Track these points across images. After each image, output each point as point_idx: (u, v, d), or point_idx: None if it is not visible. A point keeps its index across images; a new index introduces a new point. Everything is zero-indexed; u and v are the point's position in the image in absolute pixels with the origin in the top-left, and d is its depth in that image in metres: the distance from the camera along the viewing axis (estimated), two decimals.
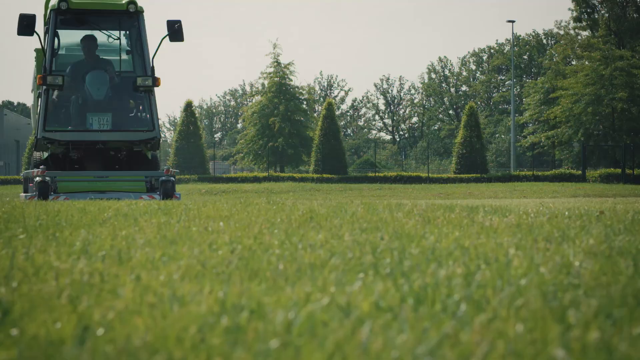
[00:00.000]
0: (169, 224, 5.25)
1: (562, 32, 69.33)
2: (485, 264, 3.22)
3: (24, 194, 18.00)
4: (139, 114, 18.33)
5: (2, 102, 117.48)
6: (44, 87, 17.71)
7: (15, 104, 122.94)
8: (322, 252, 3.61)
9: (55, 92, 17.98)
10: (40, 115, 17.50)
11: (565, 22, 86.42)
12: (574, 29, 62.51)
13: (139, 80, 17.78)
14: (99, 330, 2.05)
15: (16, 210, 6.90)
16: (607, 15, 57.85)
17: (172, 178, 17.27)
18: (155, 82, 18.07)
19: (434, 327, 2.04)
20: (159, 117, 18.71)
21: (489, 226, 5.21)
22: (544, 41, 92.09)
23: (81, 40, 18.67)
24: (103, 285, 2.74)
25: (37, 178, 16.34)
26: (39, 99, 18.13)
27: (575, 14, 59.35)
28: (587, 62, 52.52)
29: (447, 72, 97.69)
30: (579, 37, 61.30)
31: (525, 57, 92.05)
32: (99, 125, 17.65)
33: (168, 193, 16.91)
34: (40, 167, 16.59)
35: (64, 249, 3.82)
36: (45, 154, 18.69)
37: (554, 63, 64.21)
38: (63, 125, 17.67)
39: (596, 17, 58.44)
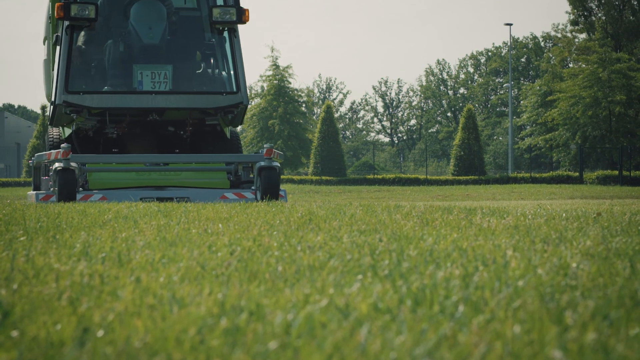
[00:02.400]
0: (169, 226, 5.26)
1: (559, 35, 69.33)
2: (483, 265, 3.23)
3: (34, 193, 12.79)
4: (212, 69, 12.72)
5: (3, 104, 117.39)
6: (66, 25, 11.78)
7: (16, 106, 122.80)
8: (320, 254, 3.61)
9: (83, 33, 12.18)
10: (60, 70, 11.84)
11: (563, 24, 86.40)
12: (571, 31, 62.52)
13: (215, 13, 12.03)
14: (99, 331, 2.05)
15: (17, 213, 6.90)
16: (604, 18, 57.84)
17: (276, 164, 11.75)
18: (242, 15, 12.11)
19: (432, 328, 2.04)
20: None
21: (487, 228, 5.22)
22: (542, 44, 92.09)
23: None
24: (103, 287, 2.75)
25: (58, 165, 11.07)
26: (57, 47, 12.20)
27: (572, 16, 59.36)
28: (584, 65, 52.52)
29: (445, 74, 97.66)
30: (576, 40, 61.29)
31: (522, 59, 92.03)
32: (152, 85, 12.05)
33: (271, 188, 11.38)
34: (63, 145, 11.15)
35: (64, 251, 3.83)
36: (67, 131, 13.15)
37: (551, 66, 64.19)
38: (95, 85, 12.28)
39: (593, 19, 58.42)
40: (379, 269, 3.15)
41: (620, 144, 47.02)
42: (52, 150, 11.94)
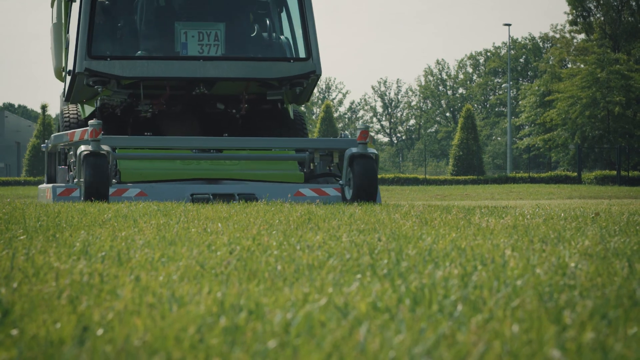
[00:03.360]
0: (168, 225, 5.26)
1: (557, 36, 69.31)
2: (481, 264, 3.24)
3: (50, 187, 10.08)
4: (275, 30, 10.51)
5: (3, 104, 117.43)
6: None
7: (16, 106, 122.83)
8: (320, 253, 3.62)
9: None
10: (82, 30, 9.71)
11: (561, 25, 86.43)
12: (569, 32, 62.51)
13: None
14: (98, 330, 2.06)
15: (16, 212, 6.90)
16: (602, 18, 57.84)
17: (373, 151, 9.31)
18: None
19: (431, 327, 2.05)
20: None
21: (486, 227, 5.23)
22: (540, 44, 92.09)
23: None
24: (102, 286, 2.76)
25: (85, 148, 8.81)
26: (74, 2, 10.14)
27: (571, 17, 59.34)
28: (582, 66, 52.53)
29: (444, 74, 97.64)
30: (575, 41, 61.29)
31: (521, 60, 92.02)
32: (199, 49, 9.93)
33: (368, 184, 8.99)
34: (92, 122, 8.80)
35: (64, 250, 3.83)
36: (88, 109, 11.00)
37: (549, 66, 64.18)
38: (125, 48, 10.20)
39: (592, 20, 58.42)
40: (378, 268, 3.16)
41: (618, 144, 47.03)
42: (77, 129, 9.48)
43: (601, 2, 57.26)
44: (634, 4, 56.74)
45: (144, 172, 10.09)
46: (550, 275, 2.93)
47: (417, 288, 2.62)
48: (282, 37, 10.60)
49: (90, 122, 9.04)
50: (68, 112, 11.73)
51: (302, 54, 10.20)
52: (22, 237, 4.50)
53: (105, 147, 8.94)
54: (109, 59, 9.89)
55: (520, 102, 74.21)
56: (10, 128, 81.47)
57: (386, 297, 2.48)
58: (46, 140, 11.58)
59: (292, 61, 10.18)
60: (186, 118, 11.14)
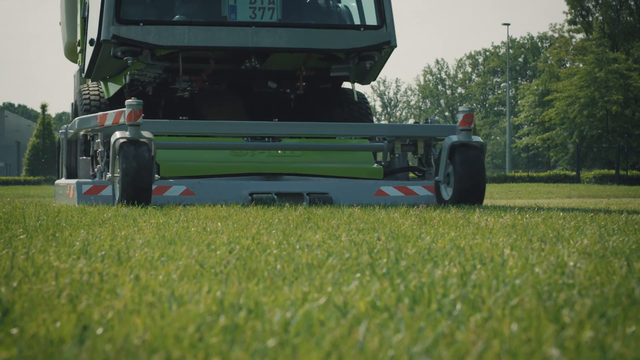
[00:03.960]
0: (168, 225, 5.26)
1: (556, 35, 69.34)
2: (480, 264, 3.24)
3: (73, 183, 8.38)
4: None
5: (3, 103, 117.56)
6: None
7: (16, 105, 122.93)
8: (319, 252, 3.62)
9: None
10: None
11: (560, 24, 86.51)
12: (568, 31, 62.53)
13: None
14: (98, 329, 2.06)
15: (16, 211, 6.90)
16: (601, 18, 57.86)
17: (478, 139, 7.77)
18: None
19: (430, 326, 2.05)
20: None
21: (485, 226, 5.23)
22: (539, 44, 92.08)
23: None
24: (102, 285, 2.76)
25: (120, 136, 7.32)
26: None
27: (570, 16, 59.35)
28: (581, 65, 52.55)
29: (443, 74, 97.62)
30: (574, 40, 61.31)
31: (520, 59, 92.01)
32: (251, 13, 8.23)
33: (476, 182, 7.51)
34: (130, 101, 7.33)
35: (63, 249, 3.84)
36: (113, 88, 9.47)
37: (548, 65, 64.19)
38: (161, 12, 8.58)
39: (590, 19, 58.44)
40: (377, 267, 3.16)
41: (617, 144, 47.04)
42: (110, 112, 7.78)
43: (600, 1, 57.28)
44: (632, 3, 56.76)
45: (188, 166, 8.52)
46: (549, 274, 2.94)
47: (416, 287, 2.62)
48: (349, 1, 8.94)
49: (129, 101, 7.34)
50: (88, 92, 9.80)
51: (373, 21, 8.50)
52: (22, 237, 4.51)
53: (146, 134, 7.31)
54: (141, 24, 8.15)
55: (519, 101, 74.21)
56: (10, 127, 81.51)
57: (385, 296, 2.48)
58: (65, 126, 9.41)
59: (362, 29, 8.52)
60: (230, 99, 9.58)
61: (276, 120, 9.48)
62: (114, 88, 9.69)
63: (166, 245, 4.04)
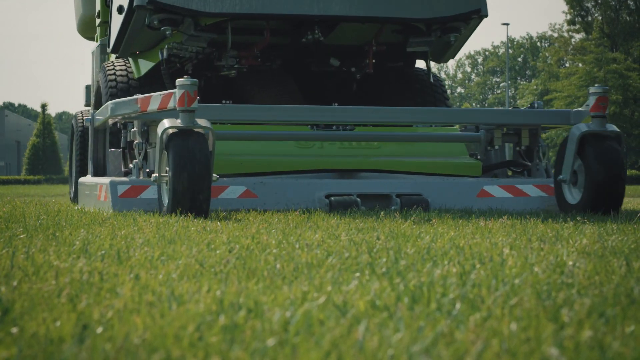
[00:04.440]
0: (168, 224, 5.27)
1: (556, 35, 69.33)
2: (480, 263, 3.25)
3: (105, 182, 6.91)
4: None
5: (3, 103, 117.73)
6: None
7: (16, 105, 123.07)
8: (318, 252, 3.63)
9: None
10: None
11: (559, 24, 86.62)
12: (567, 31, 62.54)
13: None
14: (98, 328, 2.06)
15: (16, 210, 6.91)
16: (600, 18, 57.85)
17: (614, 128, 6.57)
18: None
19: (429, 325, 2.06)
20: None
21: (484, 226, 5.24)
22: (538, 44, 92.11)
23: None
24: (102, 284, 2.76)
25: (169, 125, 5.98)
26: None
27: (569, 16, 59.35)
28: (580, 65, 52.56)
29: (442, 74, 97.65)
30: (573, 40, 61.31)
31: (519, 59, 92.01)
32: None
33: (614, 182, 6.32)
34: (182, 80, 6.01)
35: (63, 249, 3.84)
36: (144, 65, 8.15)
37: (547, 65, 64.19)
38: None
39: (590, 19, 58.43)
40: (377, 266, 3.17)
41: None
42: (154, 94, 6.35)
43: (599, 1, 57.28)
44: (631, 3, 56.76)
45: (246, 161, 7.14)
46: (548, 273, 2.94)
47: (416, 286, 2.63)
48: None
49: (181, 80, 5.93)
50: (113, 70, 8.42)
51: None
52: (22, 236, 4.51)
53: (203, 122, 5.87)
54: None
55: (518, 101, 74.20)
56: (10, 127, 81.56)
57: (385, 295, 2.49)
58: (90, 111, 7.85)
59: None
60: (281, 80, 8.18)
61: (335, 105, 7.66)
62: (145, 66, 8.20)
63: (166, 244, 4.04)
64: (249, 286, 2.72)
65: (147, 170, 6.93)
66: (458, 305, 2.31)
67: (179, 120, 5.97)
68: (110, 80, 8.45)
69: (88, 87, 12.35)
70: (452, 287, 2.62)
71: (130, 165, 7.41)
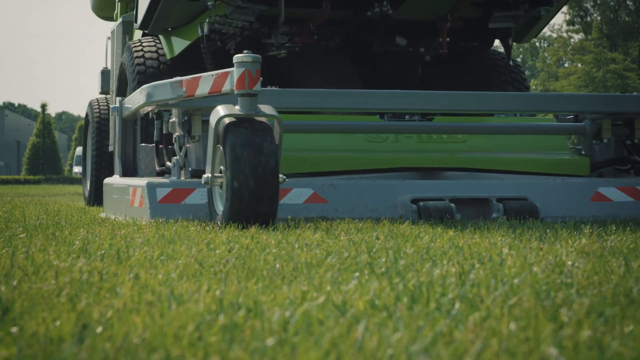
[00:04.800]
0: (167, 224, 5.27)
1: (555, 35, 69.33)
2: (479, 263, 3.25)
3: (136, 183, 6.00)
4: None
5: (3, 103, 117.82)
6: None
7: (16, 105, 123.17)
8: (318, 252, 3.63)
9: None
10: None
11: (559, 25, 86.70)
12: (567, 32, 62.56)
13: None
14: (97, 328, 2.07)
15: (16, 210, 6.91)
16: (599, 18, 57.85)
17: None
18: None
19: (429, 325, 2.06)
20: None
21: (483, 226, 5.24)
22: (537, 44, 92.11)
23: None
24: (102, 284, 2.77)
25: (226, 113, 4.97)
26: None
27: (568, 17, 59.36)
28: (579, 65, 52.55)
29: None
30: (572, 40, 61.30)
31: (519, 59, 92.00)
32: None
33: None
34: (242, 57, 4.93)
35: (63, 248, 3.85)
36: (179, 44, 7.12)
37: (546, 65, 64.18)
38: None
39: (589, 20, 58.44)
40: (376, 266, 3.17)
41: None
42: (203, 74, 5.28)
43: (598, 2, 57.28)
44: (630, 4, 56.76)
45: (309, 158, 6.07)
46: (547, 273, 2.95)
47: (415, 286, 2.63)
48: None
49: (240, 57, 4.90)
50: (141, 49, 7.33)
51: None
52: (21, 236, 4.51)
53: (267, 110, 4.89)
54: None
55: None
56: (10, 127, 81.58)
57: (384, 295, 2.49)
58: (118, 99, 6.76)
59: None
60: (337, 62, 7.02)
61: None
62: (180, 44, 7.12)
63: (165, 244, 4.05)
64: (249, 286, 2.72)
65: (190, 169, 5.84)
66: (457, 305, 2.32)
67: (237, 107, 4.95)
68: (138, 64, 7.31)
69: (104, 73, 10.90)
70: (451, 286, 2.63)
71: (168, 163, 6.20)
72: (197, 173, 5.73)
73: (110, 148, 9.46)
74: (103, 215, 6.84)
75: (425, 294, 2.49)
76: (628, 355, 1.77)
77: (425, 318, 2.15)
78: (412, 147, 6.38)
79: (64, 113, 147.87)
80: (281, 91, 5.83)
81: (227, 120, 4.96)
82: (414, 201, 5.75)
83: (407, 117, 6.67)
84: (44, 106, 64.31)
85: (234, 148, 4.82)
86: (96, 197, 9.77)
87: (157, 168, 6.51)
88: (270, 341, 1.88)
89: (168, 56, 7.45)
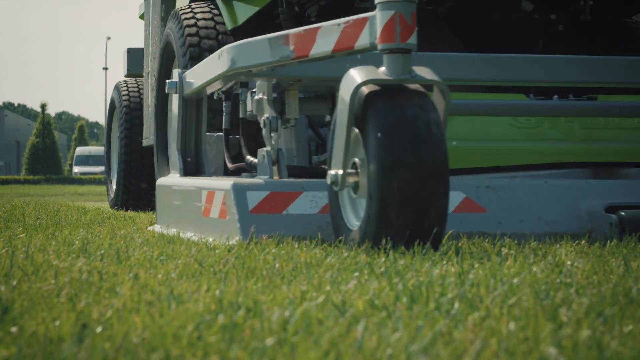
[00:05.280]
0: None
1: None
2: (478, 263, 3.25)
3: (215, 183, 4.29)
4: None
5: (3, 103, 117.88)
6: None
7: (16, 105, 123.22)
8: (317, 251, 3.63)
9: None
10: None
11: None
12: None
13: None
14: (97, 327, 2.07)
15: (16, 210, 6.92)
16: None
17: None
18: None
19: (428, 325, 2.06)
20: None
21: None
22: None
23: None
24: (102, 284, 2.77)
25: (368, 78, 3.32)
26: None
27: None
28: None
29: None
30: None
31: None
32: None
33: None
34: None
35: (63, 248, 3.85)
36: (242, 11, 5.74)
37: None
38: None
39: None
40: (375, 266, 3.17)
41: None
42: (322, 25, 3.70)
43: None
44: None
45: (461, 149, 4.88)
46: (546, 273, 2.95)
47: (414, 286, 2.63)
48: None
49: None
50: (193, 17, 6.07)
51: None
52: (21, 235, 4.51)
53: (427, 74, 3.46)
54: None
55: None
56: (9, 127, 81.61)
57: (383, 295, 2.49)
58: (177, 72, 5.30)
59: None
60: (442, 32, 6.00)
61: None
62: (246, 11, 5.73)
63: (165, 244, 4.05)
64: (248, 285, 2.72)
65: (291, 164, 4.62)
66: (457, 305, 2.32)
67: (382, 69, 3.45)
68: (190, 34, 5.91)
69: (131, 51, 9.40)
70: (451, 286, 2.63)
71: (250, 158, 4.83)
72: (296, 171, 4.46)
73: (146, 142, 8.12)
74: (156, 228, 5.13)
75: (425, 294, 2.49)
76: (627, 355, 1.77)
77: (424, 318, 2.15)
78: (576, 135, 5.05)
79: (63, 113, 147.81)
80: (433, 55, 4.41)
81: (368, 90, 3.44)
82: (610, 209, 4.23)
83: (570, 96, 5.31)
84: (43, 106, 64.33)
85: (383, 131, 3.33)
86: (125, 200, 8.70)
87: (230, 165, 5.12)
88: (269, 341, 1.88)
89: (229, 26, 5.99)
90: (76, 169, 60.93)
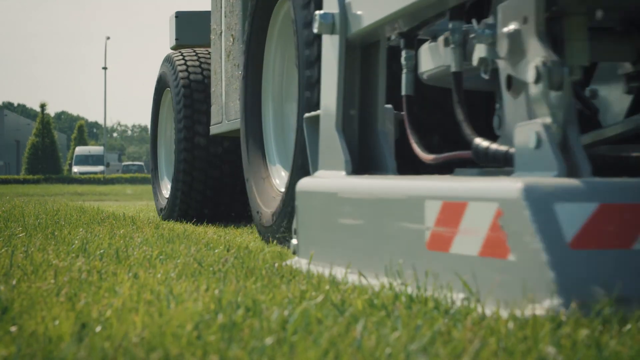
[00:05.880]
0: (166, 223, 5.27)
1: None
2: None
3: (408, 190, 2.54)
4: None
5: (3, 102, 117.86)
6: None
7: (15, 104, 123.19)
8: None
9: None
10: None
11: None
12: None
13: None
14: (96, 327, 2.07)
15: (16, 210, 6.91)
16: None
17: None
18: None
19: (427, 324, 2.06)
20: None
21: None
22: None
23: None
24: (101, 283, 2.77)
25: None
26: None
27: None
28: None
29: None
30: None
31: None
32: None
33: None
34: None
35: (62, 248, 3.85)
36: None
37: None
38: None
39: None
40: None
41: None
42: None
43: None
44: None
45: None
46: None
47: (414, 285, 2.63)
48: None
49: None
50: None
51: None
52: (21, 235, 4.51)
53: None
54: None
55: None
56: (9, 126, 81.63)
57: (383, 294, 2.49)
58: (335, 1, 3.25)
59: None
60: None
61: None
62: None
63: (165, 243, 4.05)
64: (247, 285, 2.72)
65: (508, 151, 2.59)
66: (456, 304, 2.32)
67: None
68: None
69: (179, 16, 7.51)
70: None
71: (485, 143, 2.70)
72: (609, 163, 2.74)
73: (216, 128, 6.07)
74: (302, 265, 3.33)
75: (424, 293, 2.49)
76: (626, 354, 1.77)
77: (423, 317, 2.15)
78: None
79: (63, 113, 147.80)
80: None
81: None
82: None
83: None
84: (43, 106, 64.31)
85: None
86: (184, 207, 6.41)
87: (426, 156, 3.21)
88: (269, 340, 1.88)
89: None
90: (75, 169, 60.96)
